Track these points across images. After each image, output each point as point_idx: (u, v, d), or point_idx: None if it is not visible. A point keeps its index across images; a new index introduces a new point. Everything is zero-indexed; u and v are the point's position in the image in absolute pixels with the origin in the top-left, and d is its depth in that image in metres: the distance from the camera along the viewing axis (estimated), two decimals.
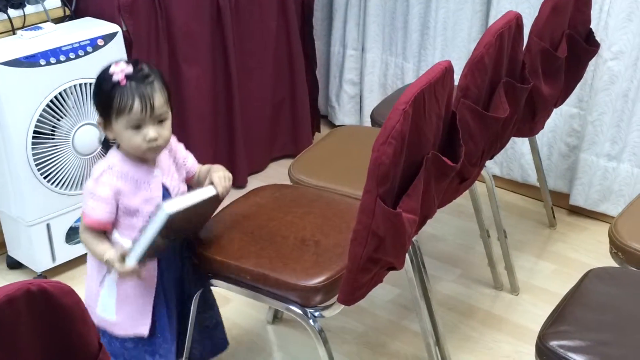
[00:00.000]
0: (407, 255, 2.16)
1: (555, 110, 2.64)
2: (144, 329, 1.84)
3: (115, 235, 1.79)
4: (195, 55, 2.82)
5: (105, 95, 1.68)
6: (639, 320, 1.63)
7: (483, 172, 2.32)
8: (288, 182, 2.28)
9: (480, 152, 2.09)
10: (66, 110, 2.43)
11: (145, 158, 1.76)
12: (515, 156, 3.07)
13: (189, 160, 1.92)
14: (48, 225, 2.53)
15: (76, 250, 2.63)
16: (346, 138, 2.53)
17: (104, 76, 1.70)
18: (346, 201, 2.07)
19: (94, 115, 2.47)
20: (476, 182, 2.26)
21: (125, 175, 1.74)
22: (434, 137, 1.81)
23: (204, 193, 1.76)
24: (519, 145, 3.03)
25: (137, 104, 1.67)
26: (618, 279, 1.78)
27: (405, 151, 1.64)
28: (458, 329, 2.39)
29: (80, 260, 2.66)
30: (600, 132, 2.85)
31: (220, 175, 1.81)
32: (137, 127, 1.69)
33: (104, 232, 1.77)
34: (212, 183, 1.79)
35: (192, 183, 1.92)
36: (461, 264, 2.70)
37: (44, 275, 2.58)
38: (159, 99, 1.71)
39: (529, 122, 2.42)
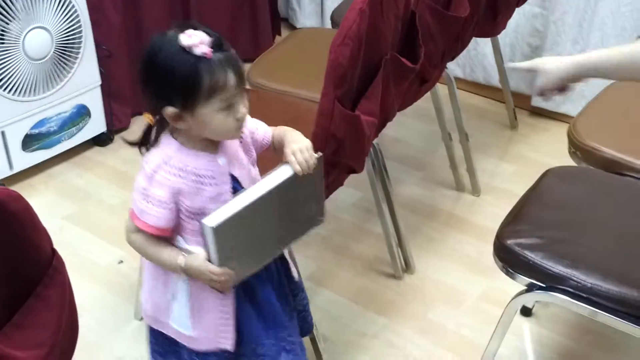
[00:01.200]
0: (368, 159, 2.16)
1: (517, 10, 2.60)
2: (227, 343, 1.47)
3: (180, 242, 1.41)
4: None
5: (188, 76, 1.28)
6: (595, 218, 1.66)
7: (445, 74, 2.30)
8: (247, 87, 2.23)
9: (441, 52, 2.06)
10: (14, 13, 2.34)
11: (212, 144, 1.38)
12: (478, 58, 3.04)
13: (260, 131, 1.49)
14: (3, 133, 2.48)
15: (34, 157, 2.59)
16: (306, 40, 2.48)
17: (173, 52, 1.29)
18: (306, 105, 2.04)
19: (44, 18, 2.39)
20: (438, 84, 2.24)
21: (185, 170, 1.35)
22: (393, 37, 1.77)
23: (274, 179, 1.36)
24: (481, 47, 3.00)
25: (232, 78, 1.31)
26: (575, 178, 1.80)
27: (364, 52, 1.60)
28: (420, 230, 2.41)
29: (39, 168, 2.63)
30: (562, 32, 2.83)
31: (295, 149, 1.38)
32: (229, 105, 1.33)
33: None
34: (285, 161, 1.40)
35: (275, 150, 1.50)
36: (423, 166, 2.71)
37: (2, 183, 2.54)
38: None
39: (491, 21, 2.38)
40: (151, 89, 1.33)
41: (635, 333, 1.49)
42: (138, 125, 2.86)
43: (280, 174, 1.37)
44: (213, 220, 1.28)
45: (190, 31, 1.30)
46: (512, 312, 1.63)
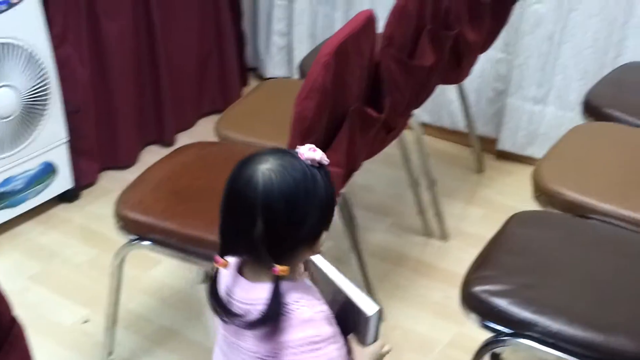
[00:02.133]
0: (335, 208, 2.17)
1: (482, 55, 2.65)
2: None
3: None
4: (115, 9, 2.72)
5: (331, 201, 1.19)
6: (560, 262, 1.66)
7: (411, 120, 2.32)
8: (216, 139, 2.24)
9: (406, 101, 2.09)
10: None
11: None
12: (444, 103, 3.08)
13: None
14: None
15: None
16: (273, 91, 2.50)
17: (314, 177, 1.14)
18: None
19: (11, 76, 2.38)
20: (405, 130, 2.26)
21: None
22: (358, 88, 1.79)
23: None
24: (447, 92, 3.04)
25: None
26: (540, 222, 1.81)
27: (329, 104, 1.62)
28: (389, 278, 2.41)
29: (3, 227, 2.60)
30: (527, 76, 2.88)
31: None
32: None
33: None
34: None
35: None
36: (392, 213, 2.72)
37: None
38: None
39: (455, 69, 2.42)
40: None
41: None
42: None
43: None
44: (369, 307, 1.25)
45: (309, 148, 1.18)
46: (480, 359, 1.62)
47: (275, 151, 1.16)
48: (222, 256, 1.17)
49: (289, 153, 1.16)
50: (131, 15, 2.80)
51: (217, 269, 1.18)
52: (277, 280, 1.13)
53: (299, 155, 1.14)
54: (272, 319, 1.13)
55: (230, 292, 1.19)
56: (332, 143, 1.71)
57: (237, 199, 1.14)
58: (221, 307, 1.18)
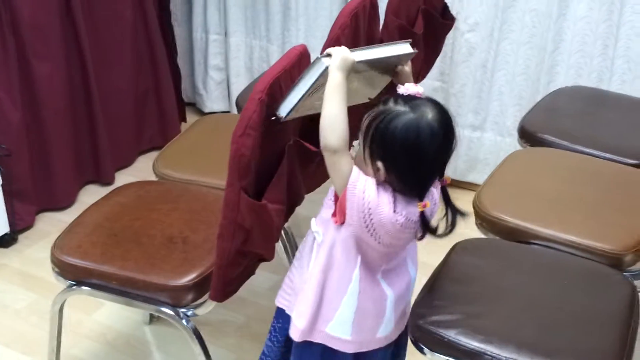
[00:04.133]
0: (280, 243, 2.15)
1: (419, 85, 2.67)
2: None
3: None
4: (46, 50, 2.68)
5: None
6: (505, 289, 1.68)
7: (352, 151, 2.32)
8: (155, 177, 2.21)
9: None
10: None
11: None
12: None
13: None
14: None
15: None
16: (211, 127, 2.48)
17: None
18: (213, 193, 2.03)
19: None
20: None
21: None
22: (295, 122, 1.78)
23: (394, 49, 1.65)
24: None
25: None
26: (483, 250, 1.83)
27: (266, 140, 1.60)
28: None
29: None
30: (463, 104, 2.92)
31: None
32: None
33: None
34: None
35: None
36: None
37: None
38: None
39: None
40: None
41: None
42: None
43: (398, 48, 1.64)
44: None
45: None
46: None
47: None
48: (422, 199, 1.44)
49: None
50: (63, 55, 2.76)
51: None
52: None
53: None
54: None
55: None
56: (272, 179, 1.69)
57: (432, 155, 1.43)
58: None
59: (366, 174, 1.46)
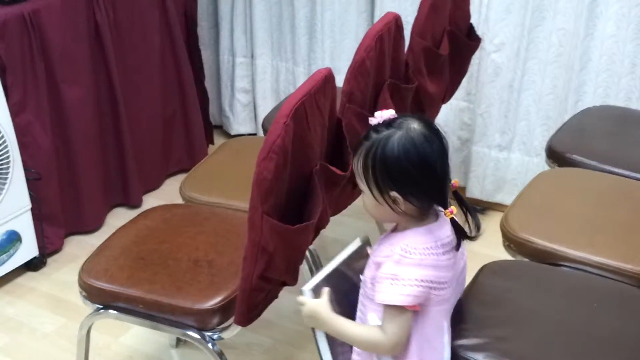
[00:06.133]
0: (306, 265, 2.15)
1: (445, 105, 2.67)
2: None
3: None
4: (75, 75, 2.71)
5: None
6: (533, 312, 1.65)
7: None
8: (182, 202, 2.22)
9: None
10: None
11: None
12: None
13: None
14: None
15: None
16: (237, 150, 2.49)
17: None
18: (239, 216, 2.02)
19: None
20: None
21: None
22: (321, 147, 1.78)
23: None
24: None
25: None
26: (510, 272, 1.80)
27: (291, 164, 1.61)
28: None
29: None
30: (490, 124, 2.90)
31: None
32: None
33: None
34: None
35: None
36: None
37: None
38: None
39: None
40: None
41: None
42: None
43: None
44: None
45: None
46: None
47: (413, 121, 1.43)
48: (446, 207, 1.42)
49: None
50: (92, 80, 2.79)
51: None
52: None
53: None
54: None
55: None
56: (299, 203, 1.69)
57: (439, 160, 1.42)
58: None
59: (383, 217, 1.46)
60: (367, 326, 1.46)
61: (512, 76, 2.80)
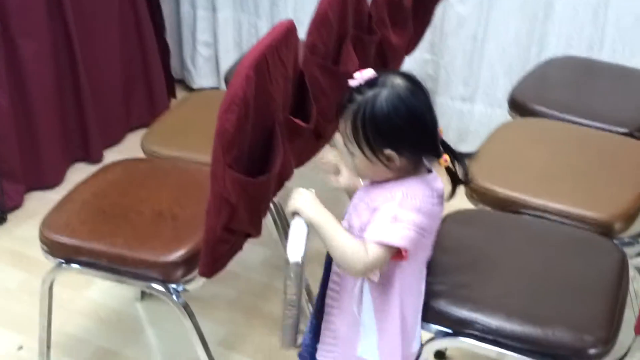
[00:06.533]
0: (270, 217, 2.15)
1: (409, 57, 2.66)
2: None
3: None
4: (31, 29, 2.64)
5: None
6: (494, 259, 1.68)
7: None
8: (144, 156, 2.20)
9: (334, 108, 2.07)
10: None
11: None
12: None
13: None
14: None
15: None
16: (200, 104, 2.47)
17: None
18: (202, 170, 2.00)
19: None
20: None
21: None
22: (284, 99, 1.77)
23: None
24: None
25: None
26: (473, 221, 1.83)
27: (254, 117, 1.59)
28: None
29: None
30: (453, 76, 2.91)
31: None
32: None
33: None
34: None
35: None
36: None
37: None
38: None
39: None
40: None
41: None
42: None
43: None
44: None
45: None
46: (425, 357, 1.62)
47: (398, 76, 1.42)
48: (440, 156, 1.42)
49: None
50: (49, 34, 2.73)
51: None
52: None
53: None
54: None
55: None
56: (262, 155, 1.68)
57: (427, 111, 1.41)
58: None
59: (377, 175, 1.43)
60: (354, 237, 1.43)
61: (475, 28, 2.80)
